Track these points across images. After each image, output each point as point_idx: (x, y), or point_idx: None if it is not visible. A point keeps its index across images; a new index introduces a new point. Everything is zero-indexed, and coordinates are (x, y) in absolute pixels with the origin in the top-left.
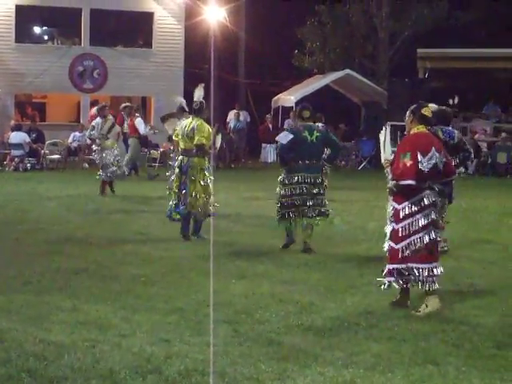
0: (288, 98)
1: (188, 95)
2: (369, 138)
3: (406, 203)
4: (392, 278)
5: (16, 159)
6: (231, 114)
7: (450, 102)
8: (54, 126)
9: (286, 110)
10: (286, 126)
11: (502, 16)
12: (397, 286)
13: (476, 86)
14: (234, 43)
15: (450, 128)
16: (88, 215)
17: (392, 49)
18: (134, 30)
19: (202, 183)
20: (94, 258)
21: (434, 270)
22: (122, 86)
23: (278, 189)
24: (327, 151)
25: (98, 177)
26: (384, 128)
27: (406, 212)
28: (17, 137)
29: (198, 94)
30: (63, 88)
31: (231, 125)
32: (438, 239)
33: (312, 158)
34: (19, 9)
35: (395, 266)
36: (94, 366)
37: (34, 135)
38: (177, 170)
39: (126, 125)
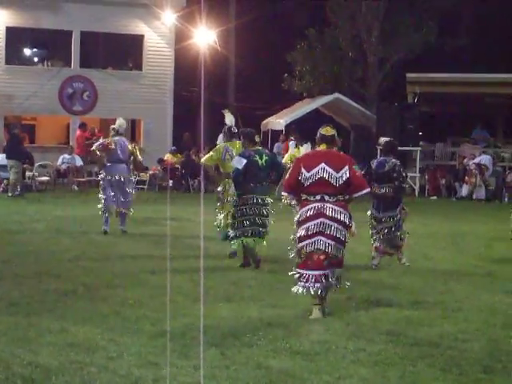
0: (277, 122)
1: (176, 119)
2: (358, 161)
3: (298, 215)
4: (298, 284)
5: (5, 181)
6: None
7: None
8: (44, 148)
9: (276, 134)
10: (275, 150)
11: (490, 41)
12: (302, 291)
13: (465, 111)
14: (224, 67)
15: (382, 158)
16: (77, 237)
17: (381, 73)
18: (124, 52)
19: None
20: (82, 279)
21: (324, 277)
22: (112, 108)
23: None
24: (272, 174)
25: None
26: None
27: (296, 223)
28: (5, 158)
29: (230, 118)
30: (53, 110)
31: None
32: (327, 249)
33: (262, 181)
34: (9, 30)
35: (296, 270)
36: None
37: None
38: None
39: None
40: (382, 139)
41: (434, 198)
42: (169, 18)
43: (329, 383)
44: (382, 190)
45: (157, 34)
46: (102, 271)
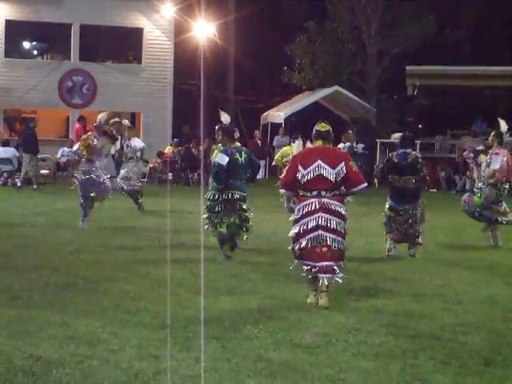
0: (277, 115)
1: (176, 111)
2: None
3: (296, 211)
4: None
5: (5, 174)
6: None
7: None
8: (43, 142)
9: (275, 127)
10: (275, 143)
11: (490, 34)
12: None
13: (464, 104)
14: (224, 59)
15: (402, 151)
16: (77, 230)
17: (381, 66)
18: (124, 45)
19: None
20: (83, 272)
21: (330, 268)
22: (111, 101)
23: (206, 205)
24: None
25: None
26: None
27: (295, 218)
28: (5, 152)
29: (225, 117)
30: (52, 103)
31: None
32: (330, 242)
33: (242, 178)
34: (9, 24)
35: (298, 261)
36: (83, 381)
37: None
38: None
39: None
40: (397, 134)
41: (434, 190)
42: (168, 10)
43: (330, 376)
44: (404, 182)
45: (156, 27)
46: (103, 264)
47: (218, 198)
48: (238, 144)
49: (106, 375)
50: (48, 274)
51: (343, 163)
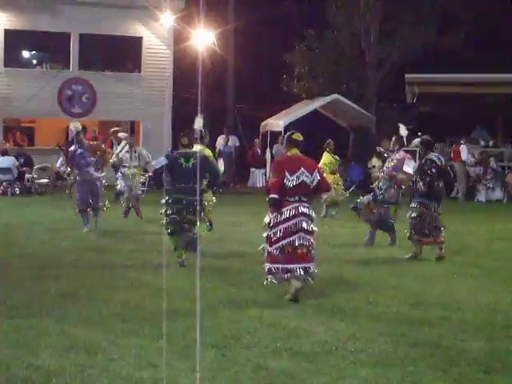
0: (276, 123)
1: (176, 120)
2: (357, 163)
3: (275, 213)
4: (270, 276)
5: (4, 184)
6: (220, 139)
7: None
8: (43, 151)
9: (275, 135)
10: (274, 151)
11: (489, 41)
12: (276, 282)
13: (464, 111)
14: (223, 68)
15: (435, 155)
16: (76, 239)
17: (380, 74)
18: (123, 54)
19: None
20: (82, 282)
21: (308, 269)
22: (111, 110)
23: (163, 209)
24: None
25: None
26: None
27: (275, 221)
28: (5, 161)
29: (198, 123)
30: (52, 112)
31: (220, 149)
32: (307, 243)
33: (187, 182)
34: (8, 33)
35: (272, 265)
36: None
37: (22, 160)
38: None
39: (115, 150)
40: (417, 140)
41: None
42: (167, 19)
43: None
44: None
45: (155, 35)
46: (102, 273)
47: (168, 200)
48: (195, 149)
49: None
50: (47, 284)
51: (316, 170)
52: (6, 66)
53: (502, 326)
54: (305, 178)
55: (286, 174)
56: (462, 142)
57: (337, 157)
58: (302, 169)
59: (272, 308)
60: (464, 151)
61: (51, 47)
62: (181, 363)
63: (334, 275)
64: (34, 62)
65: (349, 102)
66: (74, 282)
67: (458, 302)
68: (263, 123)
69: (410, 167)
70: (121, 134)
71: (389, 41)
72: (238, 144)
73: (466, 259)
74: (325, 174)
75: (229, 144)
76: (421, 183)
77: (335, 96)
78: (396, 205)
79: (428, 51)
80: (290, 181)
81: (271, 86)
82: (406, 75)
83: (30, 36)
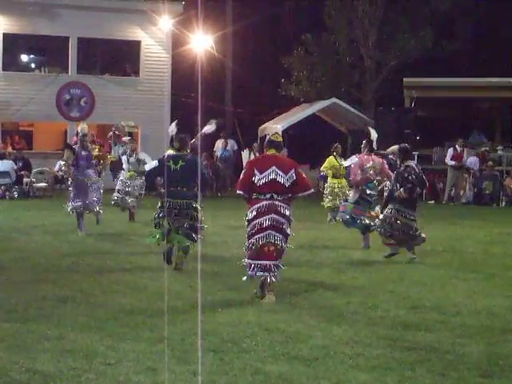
0: (275, 127)
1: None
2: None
3: (248, 211)
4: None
5: (2, 187)
6: (218, 143)
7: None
8: (41, 155)
9: None
10: None
11: (487, 45)
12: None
13: (462, 115)
14: (221, 72)
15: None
16: (74, 243)
17: (378, 78)
18: (121, 58)
19: None
20: (80, 286)
21: (270, 267)
22: (109, 114)
23: (156, 212)
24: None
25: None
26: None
27: (248, 218)
28: (3, 165)
29: (173, 128)
30: (50, 116)
31: (218, 153)
32: (276, 241)
33: (177, 185)
34: (6, 37)
35: (247, 260)
36: None
37: (20, 163)
38: None
39: (113, 153)
40: (395, 147)
41: (432, 202)
42: (166, 23)
43: None
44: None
45: (154, 39)
46: (100, 277)
47: (162, 204)
48: (184, 152)
49: None
50: (45, 287)
51: (293, 170)
52: (4, 69)
53: (500, 330)
54: (276, 177)
55: (256, 171)
56: (457, 146)
57: (343, 161)
58: (274, 167)
59: (270, 312)
60: (469, 156)
61: (50, 51)
62: (179, 367)
63: (332, 280)
64: (33, 65)
65: (347, 106)
66: (72, 286)
67: (456, 305)
68: (261, 127)
69: (348, 161)
70: (124, 139)
71: (387, 45)
72: (236, 148)
73: (463, 263)
74: (328, 178)
75: (227, 148)
76: (401, 190)
77: (333, 100)
78: (354, 205)
79: (426, 56)
80: (260, 178)
81: (269, 89)
82: (405, 79)
83: (28, 40)
